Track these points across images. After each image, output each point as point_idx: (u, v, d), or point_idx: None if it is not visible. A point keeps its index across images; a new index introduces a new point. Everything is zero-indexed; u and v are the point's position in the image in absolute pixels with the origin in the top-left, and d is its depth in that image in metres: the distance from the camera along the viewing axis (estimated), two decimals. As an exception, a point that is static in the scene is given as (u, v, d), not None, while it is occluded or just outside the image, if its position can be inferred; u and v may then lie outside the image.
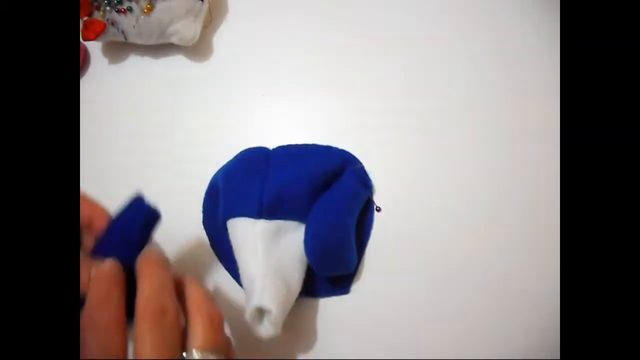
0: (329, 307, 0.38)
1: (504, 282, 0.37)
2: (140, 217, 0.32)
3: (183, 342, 0.29)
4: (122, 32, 0.44)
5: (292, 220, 0.36)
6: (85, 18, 0.44)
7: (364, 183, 0.40)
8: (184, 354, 0.28)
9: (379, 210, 0.40)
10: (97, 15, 0.44)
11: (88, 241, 0.33)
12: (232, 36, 0.48)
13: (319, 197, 0.37)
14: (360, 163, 0.41)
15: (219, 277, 0.39)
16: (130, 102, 0.47)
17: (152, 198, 0.34)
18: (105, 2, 0.44)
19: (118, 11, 0.43)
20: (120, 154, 0.45)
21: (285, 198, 0.36)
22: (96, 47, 0.49)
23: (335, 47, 0.46)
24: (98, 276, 0.29)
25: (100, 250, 0.31)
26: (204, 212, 0.41)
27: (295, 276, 0.35)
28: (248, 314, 0.32)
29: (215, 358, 0.28)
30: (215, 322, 0.29)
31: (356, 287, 0.38)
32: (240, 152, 0.41)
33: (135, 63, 0.48)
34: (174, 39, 0.45)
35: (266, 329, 0.32)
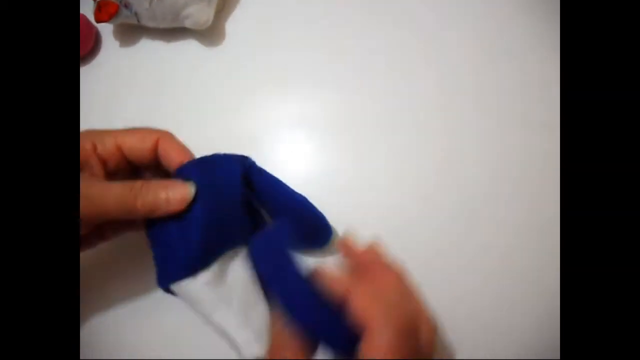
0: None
1: (504, 282, 0.37)
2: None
3: None
4: (135, 14, 0.43)
5: (228, 250, 0.33)
6: (98, -1, 0.44)
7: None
8: None
9: None
10: (110, -4, 0.44)
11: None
12: (245, 21, 0.48)
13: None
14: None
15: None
16: (141, 85, 0.46)
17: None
18: (119, -17, 0.43)
19: (131, -7, 0.43)
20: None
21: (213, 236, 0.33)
22: (108, 29, 0.48)
23: (350, 34, 0.46)
24: None
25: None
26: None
27: (260, 292, 0.34)
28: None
29: None
30: None
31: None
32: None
33: (147, 47, 0.47)
34: (187, 23, 0.44)
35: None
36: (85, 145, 0.33)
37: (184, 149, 0.34)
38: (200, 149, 0.42)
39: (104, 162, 0.33)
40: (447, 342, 0.36)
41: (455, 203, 0.40)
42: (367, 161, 0.41)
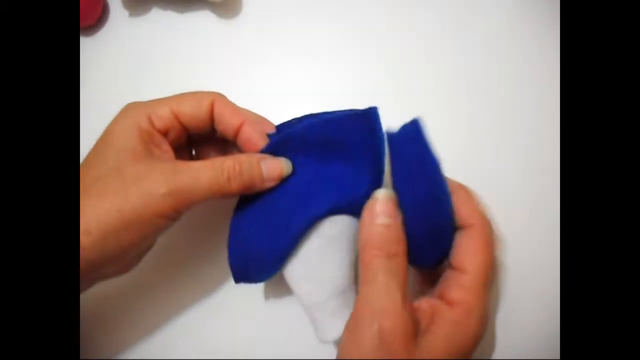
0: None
1: (503, 281, 0.37)
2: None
3: None
4: (148, -18, 0.40)
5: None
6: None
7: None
8: None
9: None
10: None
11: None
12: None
13: None
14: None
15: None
16: (151, 58, 0.44)
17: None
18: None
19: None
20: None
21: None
22: (116, -1, 0.46)
23: (368, 12, 0.44)
24: None
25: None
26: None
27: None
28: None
29: None
30: None
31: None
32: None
33: (158, 17, 0.45)
34: (203, -7, 0.41)
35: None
36: (141, 121, 0.31)
37: (238, 110, 0.33)
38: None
39: (164, 136, 0.31)
40: None
41: None
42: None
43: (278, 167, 0.31)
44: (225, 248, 0.33)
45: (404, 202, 0.30)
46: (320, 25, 0.44)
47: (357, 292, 0.30)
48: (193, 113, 0.32)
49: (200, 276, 0.38)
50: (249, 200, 0.32)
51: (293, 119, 0.34)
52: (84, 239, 0.27)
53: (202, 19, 0.44)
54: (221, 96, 0.33)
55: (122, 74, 0.44)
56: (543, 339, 0.35)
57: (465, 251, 0.29)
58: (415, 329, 0.27)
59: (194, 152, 0.36)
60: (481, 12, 0.44)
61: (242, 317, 0.37)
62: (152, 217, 0.28)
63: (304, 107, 0.40)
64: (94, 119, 0.33)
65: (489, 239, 0.29)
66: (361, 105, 0.39)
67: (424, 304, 0.28)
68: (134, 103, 0.32)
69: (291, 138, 0.32)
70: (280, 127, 0.34)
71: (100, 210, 0.28)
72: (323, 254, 0.31)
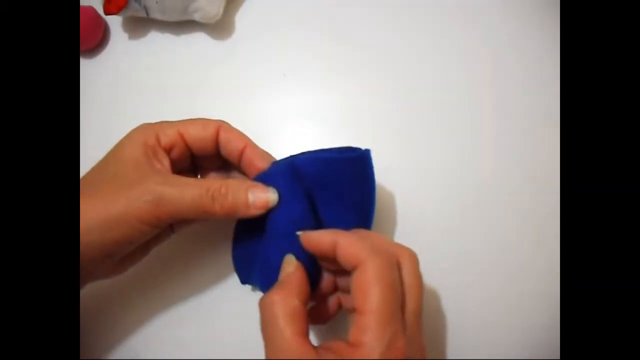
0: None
1: (503, 281, 0.37)
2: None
3: None
4: (145, 7, 0.42)
5: None
6: (107, -9, 0.43)
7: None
8: None
9: None
10: (120, -11, 0.43)
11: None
12: (254, 14, 0.47)
13: None
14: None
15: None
16: (149, 79, 0.46)
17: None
18: (128, -24, 0.43)
19: (141, -14, 0.42)
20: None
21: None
22: (116, 21, 0.48)
23: (359, 29, 0.45)
24: None
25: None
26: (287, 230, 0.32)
27: None
28: None
29: None
30: None
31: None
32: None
33: (156, 39, 0.47)
34: (197, 16, 0.43)
35: None
36: (148, 138, 0.32)
37: (245, 136, 0.34)
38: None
39: (167, 153, 0.33)
40: (446, 341, 0.36)
41: (455, 201, 0.40)
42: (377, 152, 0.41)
43: (265, 197, 0.31)
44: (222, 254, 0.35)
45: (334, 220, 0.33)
46: (314, 46, 0.45)
47: None
48: (198, 135, 0.33)
49: (200, 279, 0.39)
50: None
51: (291, 156, 0.34)
52: None
53: (197, 41, 0.46)
54: (226, 123, 0.34)
55: (122, 94, 0.46)
56: (543, 339, 0.35)
57: (357, 291, 0.27)
58: None
59: (199, 176, 0.37)
60: (481, 27, 0.45)
61: (242, 318, 0.36)
62: (134, 221, 0.30)
63: (299, 127, 0.42)
64: (95, 136, 0.34)
65: (381, 273, 0.27)
66: (356, 131, 0.41)
67: (334, 345, 0.27)
68: (146, 123, 0.34)
69: (287, 170, 0.32)
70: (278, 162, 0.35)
71: (89, 207, 0.29)
72: None
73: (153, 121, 0.34)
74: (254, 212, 0.31)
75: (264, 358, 0.28)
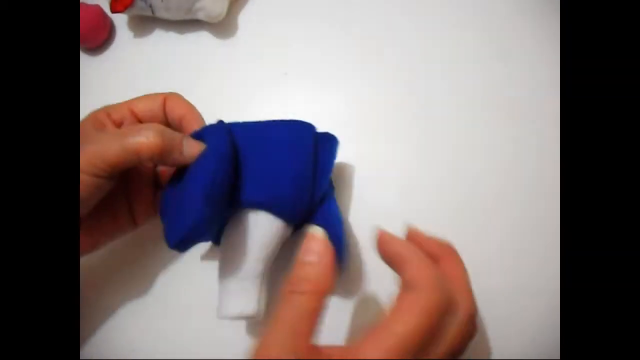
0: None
1: (503, 281, 0.37)
2: None
3: None
4: (150, 6, 0.43)
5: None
6: (114, -10, 0.44)
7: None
8: None
9: None
10: (126, -13, 0.44)
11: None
12: (259, 14, 0.48)
13: None
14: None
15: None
16: (154, 77, 0.46)
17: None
18: (135, -25, 0.43)
19: (147, -16, 0.43)
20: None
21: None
22: (122, 20, 0.48)
23: (363, 29, 0.46)
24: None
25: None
26: (216, 178, 0.30)
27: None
28: (228, 314, 0.32)
29: None
30: None
31: (351, 279, 0.38)
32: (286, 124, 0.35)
33: (160, 38, 0.48)
34: (201, 15, 0.44)
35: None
36: (99, 113, 0.34)
37: (189, 104, 0.36)
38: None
39: (118, 125, 0.35)
40: None
41: (454, 201, 0.40)
42: (372, 156, 0.42)
43: (197, 146, 0.32)
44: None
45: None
46: (317, 46, 0.46)
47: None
48: (146, 107, 0.36)
49: (201, 279, 0.39)
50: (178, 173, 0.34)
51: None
52: None
53: (202, 39, 0.47)
54: (175, 94, 0.36)
55: (126, 92, 0.44)
56: (543, 339, 0.35)
57: (396, 307, 0.26)
58: None
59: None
60: (484, 25, 0.45)
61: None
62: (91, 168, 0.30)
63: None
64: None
65: (430, 305, 0.26)
66: (355, 127, 0.41)
67: (335, 351, 0.27)
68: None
69: (219, 128, 0.33)
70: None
71: None
72: (242, 237, 0.32)
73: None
74: (188, 160, 0.31)
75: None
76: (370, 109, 0.43)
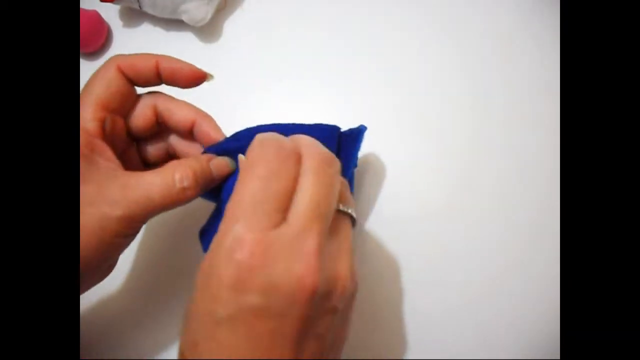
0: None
1: (503, 281, 0.37)
2: None
3: None
4: (138, 0, 0.46)
5: None
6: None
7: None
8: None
9: None
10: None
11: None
12: (243, 24, 0.49)
13: None
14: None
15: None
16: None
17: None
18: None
19: (137, -21, 0.46)
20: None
21: None
22: (118, 24, 0.51)
23: (347, 38, 0.47)
24: None
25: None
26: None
27: None
28: None
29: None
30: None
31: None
32: None
33: (147, 31, 0.50)
34: (184, 17, 0.46)
35: None
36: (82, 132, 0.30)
37: (185, 103, 0.35)
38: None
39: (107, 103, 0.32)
40: (446, 341, 0.36)
41: (454, 201, 0.40)
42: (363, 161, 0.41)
43: (225, 164, 0.32)
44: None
45: None
46: (299, 50, 0.47)
47: None
48: (138, 64, 0.33)
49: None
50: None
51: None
52: None
53: (186, 40, 0.49)
54: (160, 93, 0.35)
55: None
56: (543, 339, 0.35)
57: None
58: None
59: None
60: (481, 21, 0.46)
61: None
62: (112, 239, 0.28)
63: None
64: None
65: (256, 162, 0.25)
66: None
67: None
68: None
69: (240, 137, 0.33)
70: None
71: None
72: None
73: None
74: (219, 181, 0.32)
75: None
76: (354, 114, 0.44)
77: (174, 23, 0.49)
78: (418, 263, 0.38)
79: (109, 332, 0.38)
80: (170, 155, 0.36)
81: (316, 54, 0.47)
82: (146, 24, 0.50)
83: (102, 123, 0.31)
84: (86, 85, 0.32)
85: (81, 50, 0.50)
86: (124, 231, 0.28)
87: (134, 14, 0.51)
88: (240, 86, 0.46)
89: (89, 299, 0.38)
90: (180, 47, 0.48)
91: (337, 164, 0.27)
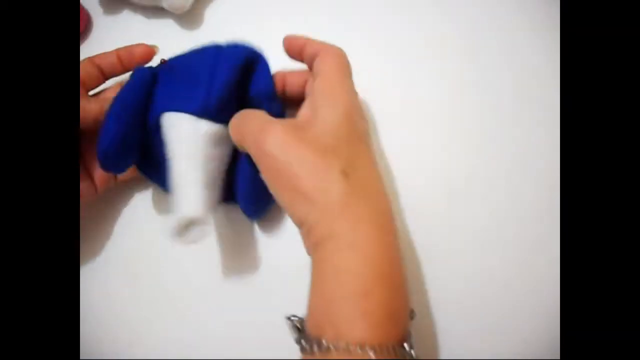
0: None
1: (503, 281, 0.37)
2: None
3: None
4: (118, -14, 0.46)
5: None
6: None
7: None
8: None
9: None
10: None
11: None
12: (224, 11, 0.50)
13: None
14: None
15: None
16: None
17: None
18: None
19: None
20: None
21: (233, 100, 0.35)
22: (99, 12, 0.51)
23: (332, 29, 0.46)
24: None
25: None
26: (126, 102, 0.35)
27: (219, 188, 0.35)
28: (176, 223, 0.31)
29: None
30: None
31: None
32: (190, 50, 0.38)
33: (128, 19, 0.50)
34: (165, 4, 0.47)
35: (196, 236, 0.32)
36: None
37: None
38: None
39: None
40: (446, 341, 0.36)
41: (454, 199, 0.40)
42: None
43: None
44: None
45: None
46: (280, 37, 0.45)
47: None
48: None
49: (202, 278, 0.39)
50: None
51: None
52: None
53: (166, 27, 0.49)
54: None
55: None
56: (543, 339, 0.35)
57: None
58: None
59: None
60: (484, 16, 0.47)
61: (243, 317, 0.38)
62: None
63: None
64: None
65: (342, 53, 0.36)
66: None
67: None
68: None
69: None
70: None
71: None
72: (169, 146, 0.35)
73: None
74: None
75: (265, 358, 0.29)
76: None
77: (154, 10, 0.49)
78: (417, 261, 0.38)
79: (109, 332, 0.38)
80: None
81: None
82: (127, 12, 0.50)
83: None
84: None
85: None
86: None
87: (115, 1, 0.51)
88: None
89: (89, 297, 0.37)
90: (161, 35, 0.49)
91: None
